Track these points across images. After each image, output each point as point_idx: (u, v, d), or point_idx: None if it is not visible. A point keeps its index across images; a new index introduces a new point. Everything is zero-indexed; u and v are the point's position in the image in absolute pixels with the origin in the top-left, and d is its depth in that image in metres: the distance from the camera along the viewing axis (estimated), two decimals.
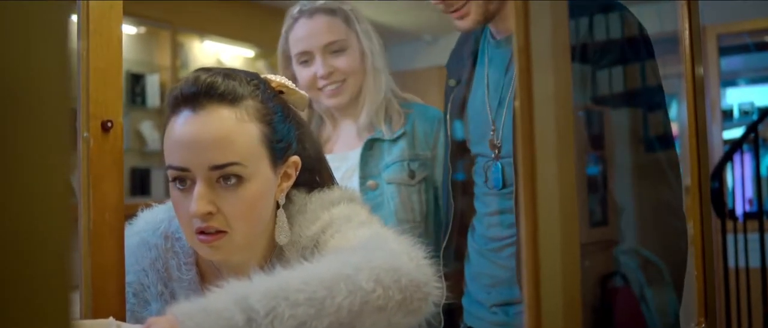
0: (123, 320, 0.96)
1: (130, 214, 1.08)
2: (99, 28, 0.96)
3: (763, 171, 4.34)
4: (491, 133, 1.34)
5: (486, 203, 1.36)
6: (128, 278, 1.02)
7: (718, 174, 3.58)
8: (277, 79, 1.05)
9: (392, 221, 1.53)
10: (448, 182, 1.46)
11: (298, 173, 1.06)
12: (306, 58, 1.61)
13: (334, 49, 1.60)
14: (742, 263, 3.56)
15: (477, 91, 1.39)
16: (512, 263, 1.29)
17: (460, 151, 1.44)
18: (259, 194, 0.97)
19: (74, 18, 0.96)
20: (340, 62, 1.60)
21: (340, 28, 1.60)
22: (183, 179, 0.96)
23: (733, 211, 4.05)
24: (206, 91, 0.95)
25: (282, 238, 1.02)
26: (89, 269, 0.94)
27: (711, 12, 4.54)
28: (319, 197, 1.06)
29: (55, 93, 0.32)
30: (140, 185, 4.51)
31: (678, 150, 1.24)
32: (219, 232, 0.96)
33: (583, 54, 1.18)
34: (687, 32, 1.03)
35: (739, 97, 5.24)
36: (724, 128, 4.83)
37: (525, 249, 0.54)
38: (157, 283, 1.05)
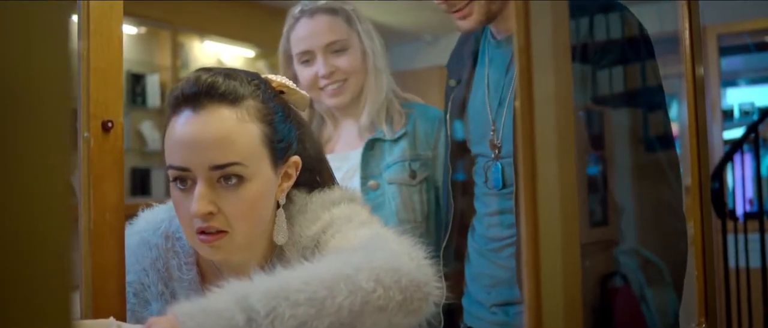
0: (123, 320, 0.96)
1: (130, 214, 1.08)
2: (99, 28, 0.96)
3: (763, 171, 4.34)
4: (491, 133, 1.34)
5: (486, 203, 1.36)
6: (129, 277, 1.02)
7: (719, 174, 3.58)
8: (278, 79, 1.05)
9: (393, 221, 1.53)
10: (448, 182, 1.46)
11: (298, 172, 1.06)
12: (307, 57, 1.61)
13: (335, 48, 1.60)
14: (742, 264, 3.56)
15: (477, 91, 1.39)
16: (512, 263, 1.29)
17: (460, 151, 1.44)
18: (260, 194, 0.97)
19: (75, 18, 0.96)
20: (342, 62, 1.60)
21: (342, 28, 1.60)
22: (184, 178, 0.96)
23: (733, 211, 4.05)
24: (207, 91, 0.95)
25: (280, 238, 1.02)
26: (90, 269, 0.94)
27: (711, 12, 4.54)
28: (319, 197, 1.06)
29: (55, 93, 0.32)
30: (141, 185, 4.51)
31: (678, 150, 1.24)
32: (219, 232, 0.96)
33: (584, 54, 1.18)
34: (687, 32, 1.03)
35: (739, 97, 5.23)
36: (724, 128, 4.82)
37: (525, 249, 0.54)
38: (157, 283, 1.06)
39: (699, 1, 1.04)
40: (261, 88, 1.01)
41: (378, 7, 4.99)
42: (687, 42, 1.03)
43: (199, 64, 4.53)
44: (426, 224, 1.59)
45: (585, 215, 1.20)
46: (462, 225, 1.44)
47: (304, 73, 1.62)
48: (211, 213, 0.94)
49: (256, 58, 5.41)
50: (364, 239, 0.95)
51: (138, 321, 1.03)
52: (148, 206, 1.12)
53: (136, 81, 4.54)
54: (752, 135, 3.57)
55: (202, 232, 0.96)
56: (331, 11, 1.60)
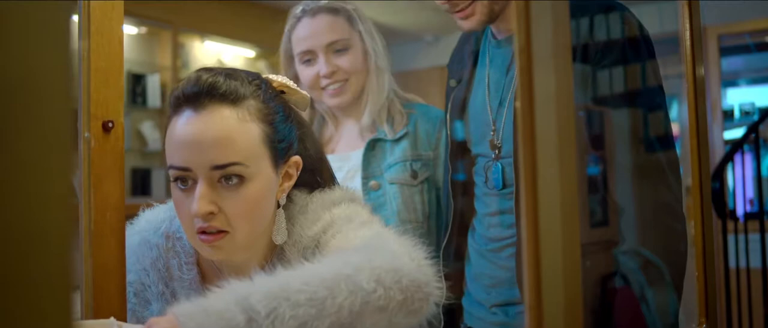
0: (124, 320, 0.96)
1: (130, 214, 1.08)
2: (100, 28, 0.96)
3: (763, 171, 4.34)
4: (491, 133, 1.34)
5: (486, 203, 1.36)
6: (129, 277, 1.02)
7: (719, 174, 3.58)
8: (279, 79, 1.05)
9: (395, 221, 1.53)
10: (448, 182, 1.46)
11: (299, 172, 1.06)
12: (309, 57, 1.61)
13: (337, 48, 1.60)
14: (742, 264, 3.56)
15: (478, 92, 1.39)
16: (512, 264, 1.29)
17: (460, 151, 1.44)
18: (261, 193, 0.97)
19: (75, 18, 0.96)
20: (343, 61, 1.60)
21: (343, 28, 1.60)
22: (185, 178, 0.96)
23: (733, 211, 4.05)
24: (208, 90, 0.95)
25: (279, 238, 1.02)
26: (90, 269, 0.94)
27: (712, 12, 4.54)
28: (320, 197, 1.06)
29: (56, 93, 0.32)
30: (141, 185, 4.52)
31: (679, 150, 1.24)
32: (220, 232, 0.96)
33: (584, 54, 1.18)
34: (688, 33, 1.03)
35: (739, 97, 5.23)
36: (724, 129, 4.83)
37: (526, 249, 0.54)
38: (158, 282, 1.06)
39: (699, 2, 1.04)
40: (262, 88, 1.01)
41: (379, 7, 4.99)
42: (687, 42, 1.03)
43: (199, 65, 4.52)
44: (427, 224, 1.58)
45: (585, 215, 1.20)
46: (462, 225, 1.44)
47: (306, 72, 1.62)
48: (211, 213, 0.94)
49: (257, 58, 5.41)
50: (365, 239, 0.95)
51: (138, 321, 1.03)
52: (149, 206, 1.12)
53: (137, 81, 4.55)
54: (753, 135, 3.57)
55: (203, 232, 0.96)
56: (333, 11, 1.60)
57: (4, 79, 0.30)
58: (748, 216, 3.94)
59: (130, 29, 4.46)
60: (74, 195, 0.97)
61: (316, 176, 1.11)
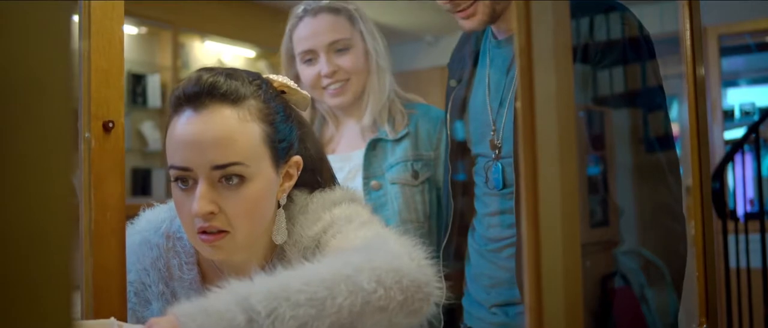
0: (124, 320, 0.96)
1: (131, 214, 1.08)
2: (100, 28, 0.96)
3: (764, 172, 4.33)
4: (492, 133, 1.34)
5: (486, 203, 1.36)
6: (130, 276, 1.02)
7: (719, 175, 3.58)
8: (279, 79, 1.05)
9: (396, 221, 1.53)
10: (448, 182, 1.46)
11: (299, 172, 1.06)
12: (310, 56, 1.61)
13: (338, 47, 1.60)
14: (743, 264, 3.56)
15: (478, 92, 1.39)
16: (512, 264, 1.29)
17: (460, 151, 1.44)
18: (261, 193, 0.97)
19: (76, 18, 0.96)
20: (344, 61, 1.60)
21: (345, 27, 1.60)
22: (185, 178, 0.96)
23: (734, 211, 4.05)
24: (209, 90, 0.95)
25: (279, 238, 1.02)
26: (90, 270, 0.94)
27: (712, 12, 4.54)
28: (320, 197, 1.06)
29: (56, 93, 0.32)
30: (141, 185, 4.52)
31: (679, 150, 1.24)
32: (221, 231, 0.96)
33: (585, 54, 1.18)
34: (688, 33, 1.03)
35: (740, 97, 5.23)
36: (725, 129, 4.82)
37: (527, 249, 0.54)
38: (158, 282, 1.06)
39: (699, 2, 1.04)
40: (262, 88, 1.01)
41: (379, 8, 4.99)
42: (688, 42, 1.03)
43: (199, 65, 4.51)
44: (428, 224, 1.58)
45: (585, 215, 1.20)
46: (462, 225, 1.44)
47: (307, 72, 1.62)
48: (212, 213, 0.94)
49: (257, 58, 5.41)
50: (365, 239, 0.95)
51: (139, 321, 1.03)
52: (150, 206, 1.12)
53: (137, 81, 4.55)
54: (753, 135, 3.57)
55: (204, 231, 0.96)
56: (335, 10, 1.60)
57: (5, 79, 0.30)
58: (748, 216, 3.94)
59: (130, 29, 4.46)
60: (75, 195, 0.97)
61: (317, 176, 1.11)
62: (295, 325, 0.75)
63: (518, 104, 0.55)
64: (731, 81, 5.31)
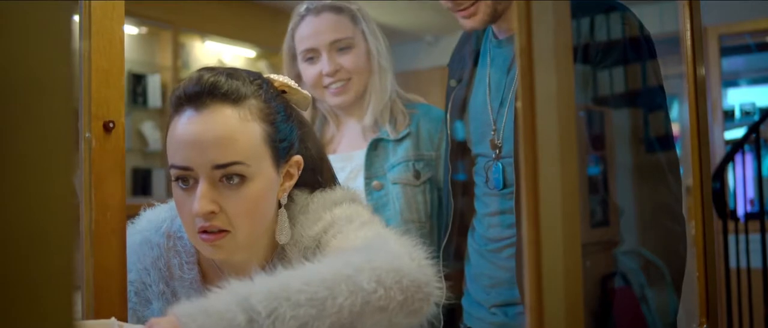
0: (124, 320, 0.96)
1: (131, 214, 1.08)
2: (101, 28, 0.96)
3: (764, 172, 4.33)
4: (492, 133, 1.34)
5: (486, 203, 1.36)
6: (130, 276, 1.02)
7: (720, 175, 3.58)
8: (280, 78, 1.05)
9: (397, 221, 1.53)
10: (448, 182, 1.45)
11: (300, 172, 1.06)
12: (312, 55, 1.61)
13: (340, 46, 1.60)
14: (743, 264, 3.56)
15: (478, 91, 1.39)
16: (512, 264, 1.29)
17: (460, 151, 1.44)
18: (262, 193, 0.98)
19: (76, 18, 0.96)
20: (346, 60, 1.60)
21: (347, 27, 1.61)
22: (186, 178, 0.96)
23: (734, 211, 4.05)
24: (209, 90, 0.95)
25: (282, 238, 1.02)
26: (91, 270, 0.94)
27: (712, 12, 4.54)
28: (321, 197, 1.06)
29: (57, 94, 0.32)
30: (142, 185, 4.52)
31: (679, 150, 1.24)
32: (221, 231, 0.96)
33: (585, 54, 1.18)
34: (688, 33, 1.03)
35: (740, 97, 5.23)
36: (725, 129, 4.82)
37: (527, 250, 0.54)
38: (158, 282, 1.06)
39: (700, 2, 1.04)
40: (263, 87, 1.01)
41: (380, 7, 4.99)
42: (688, 42, 1.03)
43: (200, 65, 4.51)
44: (430, 224, 1.58)
45: (586, 215, 1.20)
46: (462, 225, 1.44)
47: (309, 71, 1.62)
48: (213, 212, 0.94)
49: (257, 58, 5.41)
50: (366, 239, 0.95)
51: (139, 320, 1.03)
52: (150, 205, 1.12)
53: (138, 81, 4.55)
54: (753, 135, 3.57)
55: (204, 231, 0.96)
56: (337, 9, 1.61)
57: (6, 79, 0.30)
58: (748, 216, 3.94)
59: (130, 29, 4.46)
60: (75, 195, 0.97)
61: (317, 176, 1.11)
62: (296, 325, 0.75)
63: (519, 104, 0.56)
64: (731, 81, 5.31)
